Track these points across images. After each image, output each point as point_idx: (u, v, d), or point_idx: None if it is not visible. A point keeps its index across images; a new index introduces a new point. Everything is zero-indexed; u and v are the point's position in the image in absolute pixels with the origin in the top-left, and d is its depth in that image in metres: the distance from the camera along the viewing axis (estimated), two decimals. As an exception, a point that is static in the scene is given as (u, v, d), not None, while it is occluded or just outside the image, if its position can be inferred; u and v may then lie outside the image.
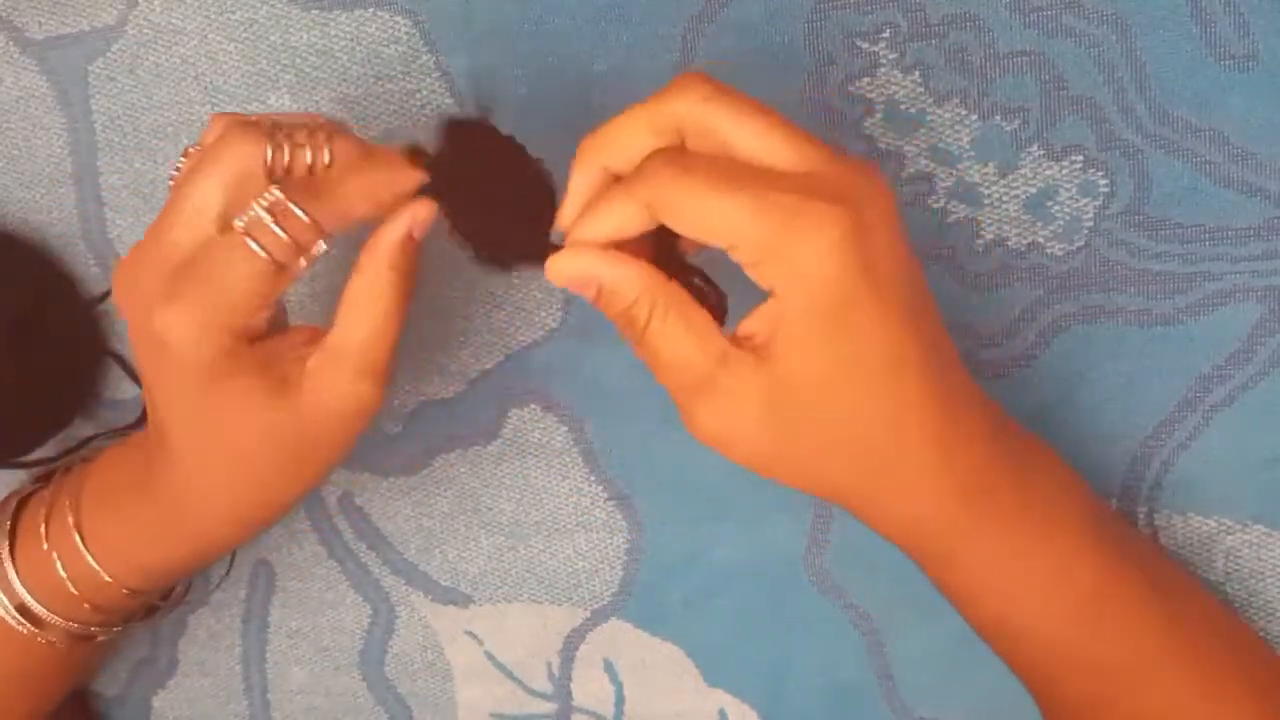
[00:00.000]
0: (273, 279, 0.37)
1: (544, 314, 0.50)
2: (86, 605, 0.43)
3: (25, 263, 0.52)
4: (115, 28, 0.51)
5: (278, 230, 0.37)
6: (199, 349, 0.37)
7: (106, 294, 0.52)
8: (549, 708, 0.53)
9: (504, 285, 0.50)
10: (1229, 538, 0.47)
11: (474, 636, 0.53)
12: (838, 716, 0.50)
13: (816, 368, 0.35)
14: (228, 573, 0.52)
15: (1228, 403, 0.46)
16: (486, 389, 0.51)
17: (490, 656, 0.53)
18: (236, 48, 0.50)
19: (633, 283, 0.37)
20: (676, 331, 0.36)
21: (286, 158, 0.37)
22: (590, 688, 0.52)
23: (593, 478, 0.51)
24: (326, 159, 0.38)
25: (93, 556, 0.42)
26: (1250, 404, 0.46)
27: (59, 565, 0.42)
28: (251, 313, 0.38)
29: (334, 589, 0.53)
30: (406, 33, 0.49)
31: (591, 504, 0.51)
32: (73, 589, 0.43)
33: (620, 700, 0.52)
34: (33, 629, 0.44)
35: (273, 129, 0.38)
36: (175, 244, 0.37)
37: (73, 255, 0.53)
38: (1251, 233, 0.45)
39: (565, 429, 0.51)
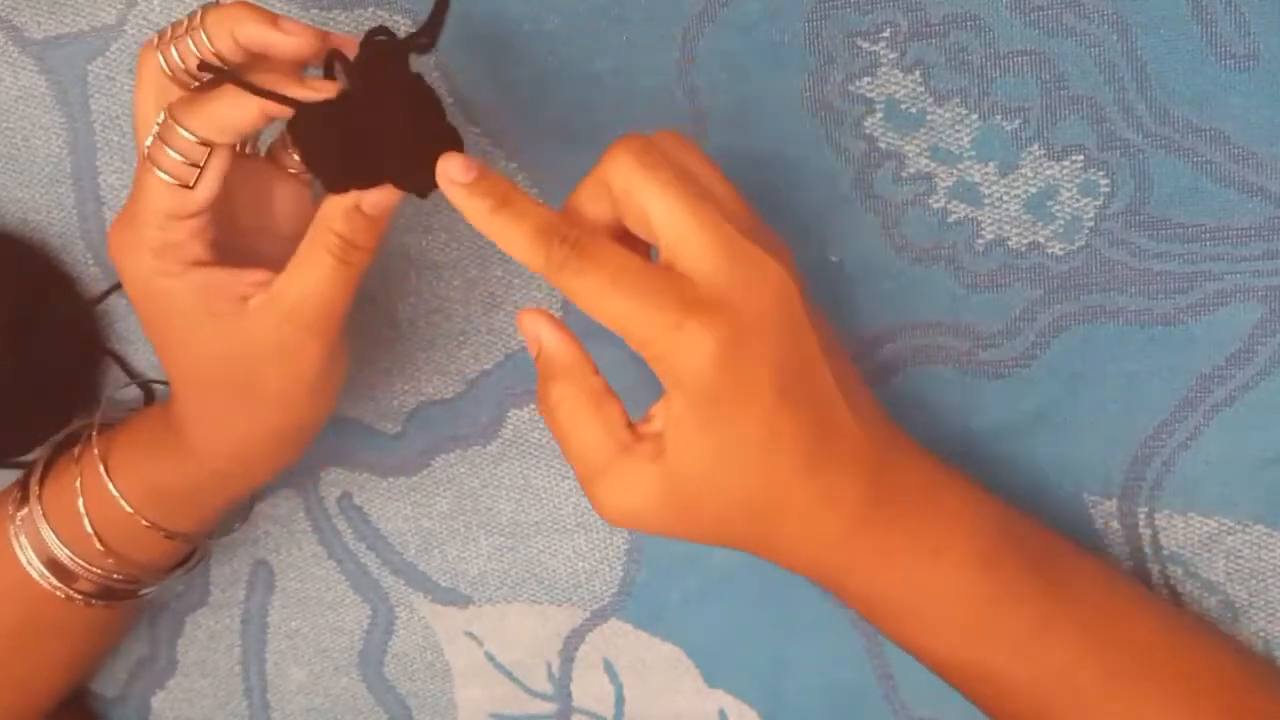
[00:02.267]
0: (178, 195, 0.39)
1: (544, 314, 0.50)
2: (110, 544, 0.45)
3: (24, 262, 0.52)
4: (114, 27, 0.51)
5: (171, 152, 0.39)
6: (134, 267, 0.40)
7: (106, 294, 0.52)
8: (549, 708, 0.53)
9: (503, 285, 0.50)
10: (1230, 538, 0.47)
11: (474, 637, 0.53)
12: (838, 716, 0.50)
13: (699, 457, 0.38)
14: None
15: (1228, 403, 0.46)
16: (486, 389, 0.51)
17: (490, 657, 0.53)
18: (236, 47, 0.50)
19: (565, 359, 0.40)
20: (585, 417, 0.39)
21: (176, 57, 0.39)
22: (590, 688, 0.52)
23: (593, 478, 0.51)
24: (206, 49, 0.39)
25: (114, 485, 0.44)
26: (1251, 404, 0.46)
27: (80, 503, 0.45)
28: (164, 228, 0.40)
29: (334, 589, 0.53)
30: (407, 32, 0.49)
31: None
32: (95, 526, 0.45)
33: (620, 700, 0.52)
34: (62, 585, 0.45)
35: (163, 32, 0.40)
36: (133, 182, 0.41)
37: (72, 255, 0.53)
38: (1252, 232, 0.45)
39: (565, 429, 0.51)
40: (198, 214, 0.40)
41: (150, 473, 0.45)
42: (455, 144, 0.39)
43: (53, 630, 0.47)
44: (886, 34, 0.47)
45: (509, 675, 0.53)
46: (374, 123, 0.39)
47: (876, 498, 0.40)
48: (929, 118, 0.47)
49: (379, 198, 0.39)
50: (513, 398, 0.51)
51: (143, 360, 0.53)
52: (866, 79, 0.47)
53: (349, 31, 0.50)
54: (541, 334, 0.40)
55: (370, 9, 0.49)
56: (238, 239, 0.42)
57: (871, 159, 0.47)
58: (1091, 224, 0.46)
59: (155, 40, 0.40)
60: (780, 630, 0.50)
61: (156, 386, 0.52)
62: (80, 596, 0.46)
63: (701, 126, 0.48)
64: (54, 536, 0.45)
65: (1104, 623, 0.41)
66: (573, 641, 0.52)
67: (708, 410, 0.37)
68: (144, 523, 0.45)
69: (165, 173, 0.39)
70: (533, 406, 0.51)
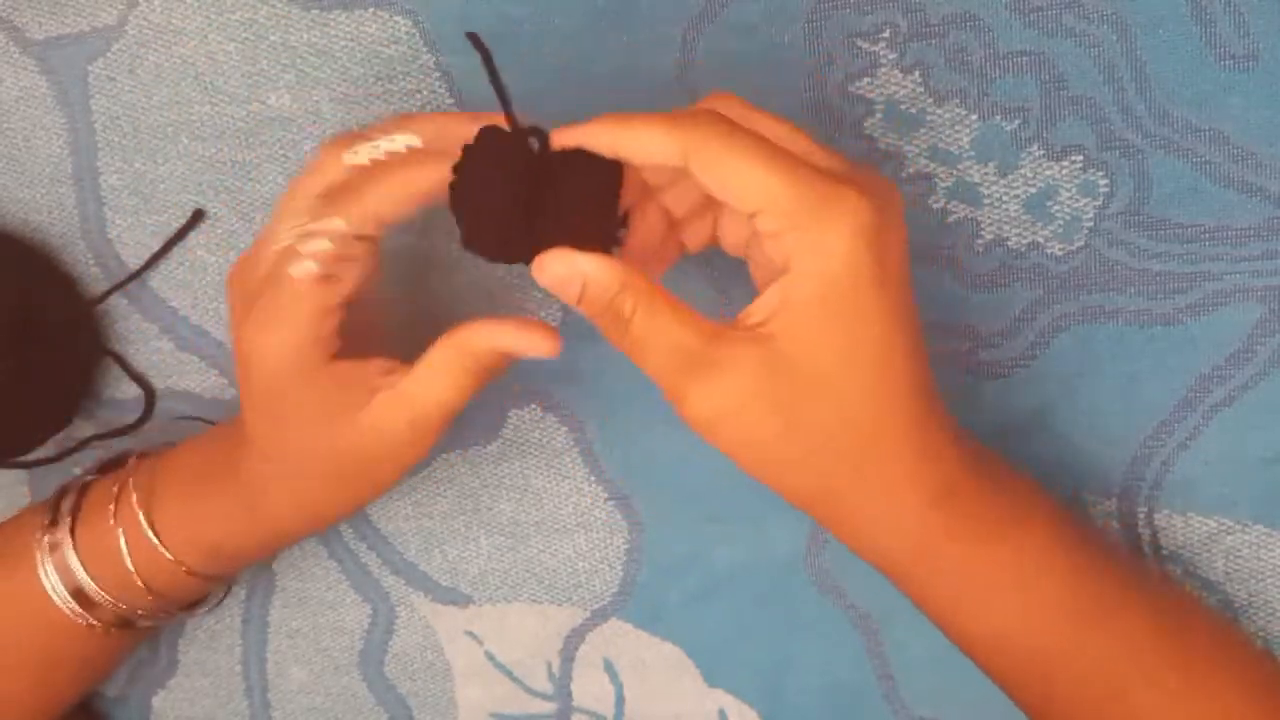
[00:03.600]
0: (327, 290, 0.40)
1: (544, 314, 0.50)
2: (141, 583, 0.45)
3: (25, 262, 0.52)
4: (115, 28, 0.51)
5: (320, 246, 0.40)
6: (274, 366, 0.41)
7: (107, 294, 0.52)
8: (549, 708, 0.53)
9: (503, 285, 0.50)
10: (1229, 538, 0.47)
11: (474, 636, 0.53)
12: (838, 716, 0.50)
13: (815, 347, 0.36)
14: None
15: (1228, 403, 0.46)
16: (486, 389, 0.51)
17: (490, 656, 0.53)
18: (236, 47, 0.50)
19: (616, 275, 0.37)
20: (665, 316, 0.37)
21: (318, 184, 0.41)
22: (590, 688, 0.52)
23: (593, 478, 0.51)
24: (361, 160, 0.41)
25: (155, 534, 0.44)
26: (1250, 404, 0.46)
27: (122, 541, 0.44)
28: (313, 325, 0.40)
29: (334, 589, 0.53)
30: (406, 33, 0.49)
31: (591, 504, 0.51)
32: (130, 565, 0.44)
33: (620, 700, 0.52)
34: (84, 614, 0.45)
35: (347, 140, 0.41)
36: (259, 261, 0.41)
37: (72, 255, 0.53)
38: (1252, 233, 0.45)
39: (565, 429, 0.51)
40: (341, 306, 0.41)
41: (208, 531, 0.45)
42: (610, 225, 0.40)
43: (69, 654, 0.47)
44: (886, 34, 0.47)
45: (509, 675, 0.53)
46: (543, 199, 0.39)
47: (970, 458, 0.39)
48: (929, 118, 0.47)
49: (544, 345, 0.40)
50: (513, 398, 0.51)
51: (143, 360, 0.53)
52: (866, 79, 0.47)
53: (349, 31, 0.50)
54: (582, 267, 0.38)
55: (370, 9, 0.49)
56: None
57: (871, 159, 0.47)
58: (1091, 224, 0.46)
59: (343, 141, 0.41)
60: (780, 630, 0.50)
61: (156, 386, 0.52)
62: (100, 624, 0.46)
63: (701, 127, 0.48)
64: (83, 570, 0.45)
65: (1173, 611, 0.41)
66: (573, 641, 0.52)
67: (839, 291, 0.35)
68: (184, 569, 0.45)
69: (316, 261, 0.40)
70: (533, 406, 0.51)
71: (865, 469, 0.37)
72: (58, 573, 0.45)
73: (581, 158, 0.39)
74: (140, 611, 0.46)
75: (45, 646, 0.46)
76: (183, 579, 0.45)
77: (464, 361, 0.41)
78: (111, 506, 0.45)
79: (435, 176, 0.39)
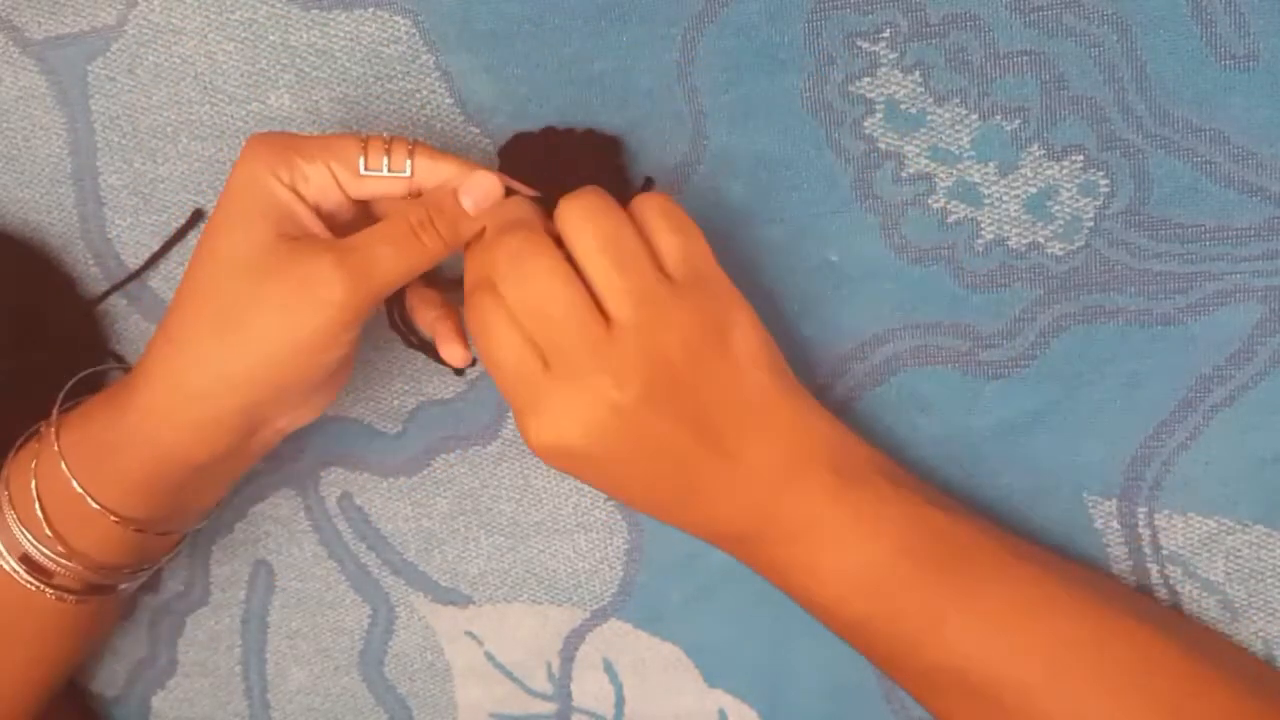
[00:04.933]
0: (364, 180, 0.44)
1: (544, 314, 0.50)
2: (82, 539, 0.44)
3: (24, 263, 0.52)
4: (115, 28, 0.51)
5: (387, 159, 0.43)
6: (265, 180, 0.42)
7: (107, 294, 0.52)
8: (549, 708, 0.53)
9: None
10: (1229, 538, 0.47)
11: (474, 637, 0.53)
12: (837, 716, 0.50)
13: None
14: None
15: (1228, 403, 0.46)
16: (486, 389, 0.51)
17: (490, 657, 0.53)
18: (236, 47, 0.50)
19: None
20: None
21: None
22: (590, 688, 0.52)
23: (593, 478, 0.51)
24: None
25: (77, 481, 0.44)
26: (1251, 404, 0.46)
27: (34, 485, 0.44)
28: (339, 185, 0.44)
29: (334, 589, 0.53)
30: (406, 33, 0.49)
31: (591, 504, 0.51)
32: (64, 522, 0.44)
33: (620, 701, 0.52)
34: (39, 583, 0.45)
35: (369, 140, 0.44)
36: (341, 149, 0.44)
37: (72, 255, 0.53)
38: (1252, 233, 0.45)
39: (565, 429, 0.51)
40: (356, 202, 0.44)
41: (116, 469, 0.44)
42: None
43: (34, 627, 0.46)
44: (886, 34, 0.47)
45: (509, 675, 0.53)
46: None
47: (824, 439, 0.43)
48: (929, 118, 0.47)
49: (493, 187, 0.44)
50: (513, 398, 0.51)
51: (143, 360, 0.53)
52: (866, 79, 0.47)
53: (348, 31, 0.50)
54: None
55: (370, 9, 0.49)
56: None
57: (871, 159, 0.47)
58: (1091, 224, 0.46)
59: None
60: (780, 630, 0.50)
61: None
62: (55, 592, 0.45)
63: (701, 126, 0.48)
64: (22, 531, 0.44)
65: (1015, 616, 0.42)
66: (573, 641, 0.52)
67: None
68: (113, 519, 0.44)
69: (377, 168, 0.43)
70: (533, 406, 0.51)
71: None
72: (3, 543, 0.44)
73: (587, 142, 0.47)
74: (91, 575, 0.45)
75: (11, 623, 0.46)
76: (115, 529, 0.44)
77: (424, 230, 0.43)
78: (34, 465, 0.44)
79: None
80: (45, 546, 0.44)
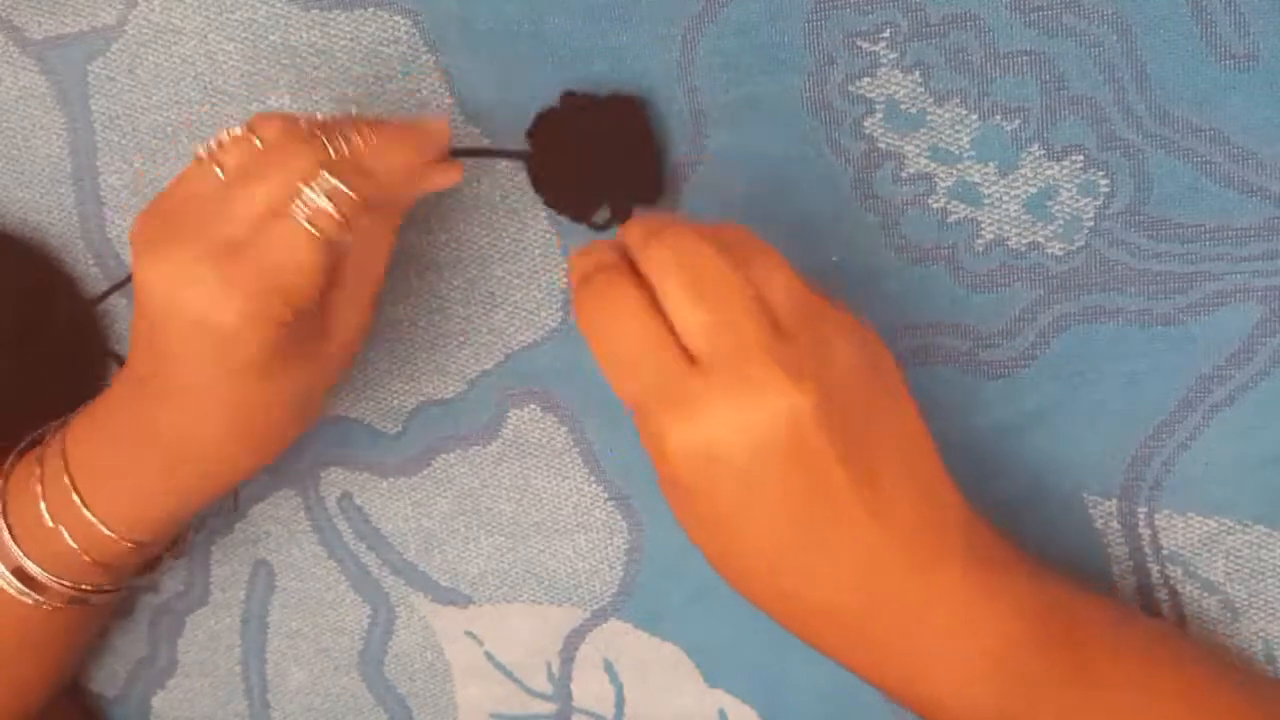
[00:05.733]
0: (328, 259, 0.39)
1: (544, 314, 0.50)
2: (89, 561, 0.44)
3: (24, 262, 0.52)
4: (115, 27, 0.51)
5: (334, 213, 0.38)
6: (253, 337, 0.39)
7: (106, 294, 0.52)
8: (549, 708, 0.53)
9: (504, 285, 0.50)
10: (1230, 538, 0.47)
11: (474, 637, 0.53)
12: (837, 717, 0.50)
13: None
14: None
15: (1228, 403, 0.46)
16: (486, 389, 0.51)
17: (490, 657, 0.53)
18: (236, 47, 0.50)
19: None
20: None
21: (332, 153, 0.39)
22: (590, 688, 0.52)
23: (593, 478, 0.51)
24: (362, 142, 0.40)
25: (96, 516, 0.43)
26: (1251, 404, 0.46)
27: (65, 534, 0.43)
28: (312, 294, 0.39)
29: (334, 589, 0.53)
30: (406, 32, 0.49)
31: (591, 504, 0.51)
32: (76, 547, 0.43)
33: (620, 701, 0.52)
34: (33, 595, 0.44)
35: (321, 127, 0.40)
36: (224, 233, 0.38)
37: (72, 255, 0.53)
38: (1252, 233, 0.45)
39: (565, 429, 0.51)
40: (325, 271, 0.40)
41: (141, 508, 0.43)
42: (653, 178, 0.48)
43: (28, 635, 0.46)
44: (886, 34, 0.47)
45: (509, 675, 0.53)
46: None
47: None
48: (929, 118, 0.47)
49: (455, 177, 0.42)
50: (512, 398, 0.51)
51: (143, 360, 0.53)
52: (866, 79, 0.47)
53: (348, 31, 0.50)
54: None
55: (370, 9, 0.49)
56: None
57: (871, 159, 0.47)
58: (1091, 224, 0.46)
59: (308, 129, 0.40)
60: (780, 630, 0.50)
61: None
62: (52, 605, 0.45)
63: (701, 126, 0.48)
64: (19, 551, 0.43)
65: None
66: (573, 641, 0.52)
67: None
68: (129, 545, 0.44)
69: (323, 233, 0.38)
70: (533, 406, 0.51)
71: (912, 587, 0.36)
72: (1, 557, 0.44)
73: (610, 108, 0.47)
74: (87, 587, 0.45)
75: (7, 631, 0.45)
76: (129, 551, 0.44)
77: (387, 228, 0.43)
78: (39, 488, 0.43)
79: (443, 132, 0.42)
80: (43, 565, 0.44)
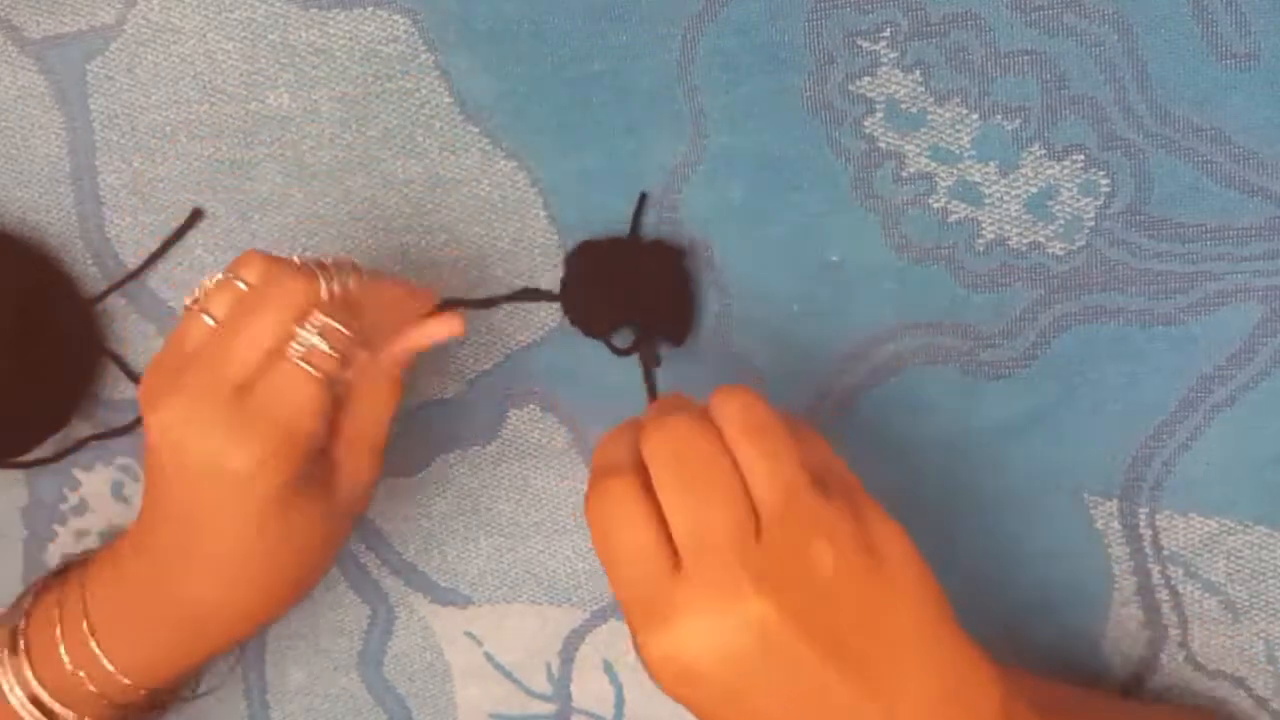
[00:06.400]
0: (328, 396, 0.40)
1: (544, 314, 0.50)
2: (105, 702, 0.44)
3: (23, 262, 0.52)
4: (114, 27, 0.51)
5: (329, 350, 0.40)
6: (265, 481, 0.39)
7: (106, 293, 0.52)
8: (549, 708, 0.53)
9: (504, 286, 0.50)
10: (1230, 538, 0.47)
11: (473, 637, 0.53)
12: (838, 717, 0.50)
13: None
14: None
15: (1229, 403, 0.46)
16: (486, 389, 0.51)
17: (490, 657, 0.53)
18: (235, 47, 0.50)
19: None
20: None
21: (324, 292, 0.40)
22: (590, 688, 0.52)
23: (592, 478, 0.51)
24: (352, 284, 0.41)
25: (115, 668, 0.43)
26: (1252, 404, 0.46)
27: (85, 678, 0.44)
28: (317, 433, 0.40)
29: (333, 589, 0.53)
30: (406, 32, 0.49)
31: (591, 504, 0.51)
32: (95, 691, 0.44)
33: (620, 701, 0.52)
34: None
35: (314, 265, 0.41)
36: (227, 378, 0.39)
37: (71, 255, 0.53)
38: (1253, 232, 0.45)
39: (565, 429, 0.51)
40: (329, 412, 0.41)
41: (160, 666, 0.44)
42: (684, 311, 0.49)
43: None
44: (886, 34, 0.46)
45: (509, 675, 0.53)
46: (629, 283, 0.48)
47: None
48: (929, 118, 0.47)
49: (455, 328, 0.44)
50: (512, 398, 0.51)
51: (141, 360, 0.53)
52: (866, 79, 0.47)
53: (347, 30, 0.50)
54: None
55: (369, 8, 0.49)
56: None
57: (871, 159, 0.47)
58: (1092, 224, 0.46)
59: (301, 266, 0.40)
60: (780, 630, 0.50)
61: None
62: None
63: (701, 126, 0.48)
64: (40, 687, 0.44)
65: None
66: (572, 642, 0.52)
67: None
68: (144, 692, 0.44)
69: (322, 372, 0.40)
70: (533, 406, 0.51)
71: None
72: (20, 689, 0.44)
73: (656, 256, 0.48)
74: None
75: None
76: (143, 697, 0.45)
77: (393, 381, 0.44)
78: (58, 630, 0.44)
79: (429, 298, 0.45)
80: (58, 698, 0.44)
